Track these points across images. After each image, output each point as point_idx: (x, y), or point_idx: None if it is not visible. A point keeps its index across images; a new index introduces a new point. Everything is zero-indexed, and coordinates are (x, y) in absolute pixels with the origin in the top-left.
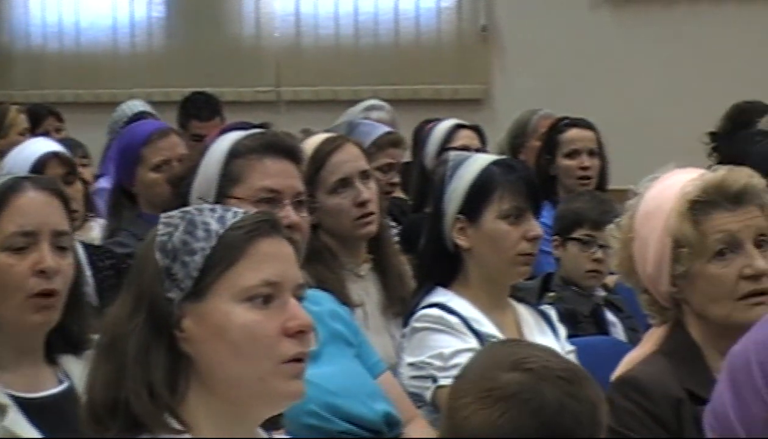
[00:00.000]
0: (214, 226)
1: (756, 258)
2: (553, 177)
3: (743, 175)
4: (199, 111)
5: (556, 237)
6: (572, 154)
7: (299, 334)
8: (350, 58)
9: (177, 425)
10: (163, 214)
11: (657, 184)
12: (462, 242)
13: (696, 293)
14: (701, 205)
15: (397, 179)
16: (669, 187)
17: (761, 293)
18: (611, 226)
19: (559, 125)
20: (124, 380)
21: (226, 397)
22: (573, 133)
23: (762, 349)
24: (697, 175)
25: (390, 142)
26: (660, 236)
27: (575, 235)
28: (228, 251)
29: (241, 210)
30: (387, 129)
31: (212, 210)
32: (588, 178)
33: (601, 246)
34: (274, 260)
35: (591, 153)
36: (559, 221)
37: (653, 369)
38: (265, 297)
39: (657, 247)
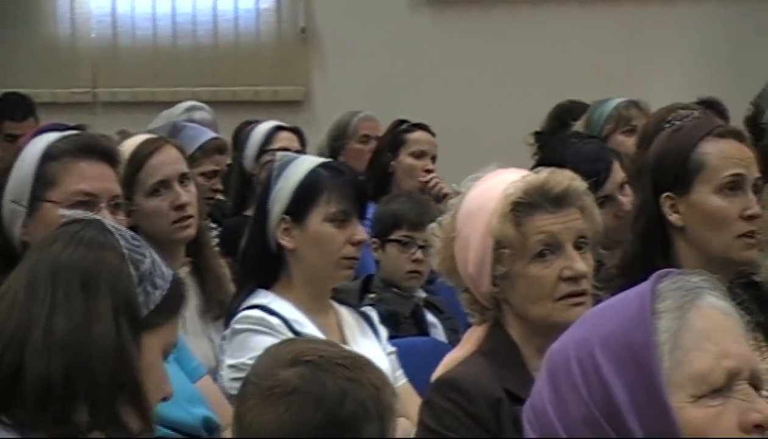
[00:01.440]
0: (164, 269)
1: (575, 260)
2: (389, 175)
3: (565, 178)
4: (13, 112)
5: (375, 239)
6: (418, 155)
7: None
8: (168, 60)
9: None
10: (107, 224)
11: (479, 184)
12: (286, 242)
13: (516, 294)
14: (523, 206)
15: (219, 185)
16: (492, 188)
17: (580, 294)
18: (433, 225)
19: (404, 125)
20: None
21: None
22: (420, 134)
23: (581, 346)
24: (519, 177)
25: (216, 148)
26: (482, 236)
27: (394, 236)
28: (175, 301)
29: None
30: (213, 135)
31: (148, 248)
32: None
33: (420, 247)
34: None
35: (434, 159)
36: (377, 222)
37: (472, 370)
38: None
39: (479, 247)
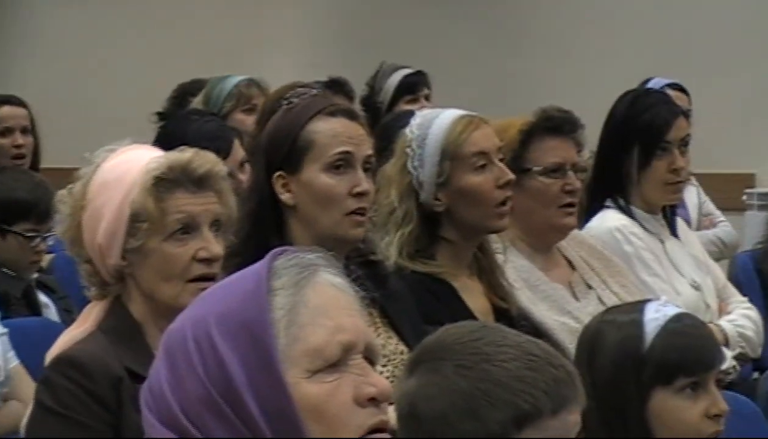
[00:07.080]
0: None
1: (211, 242)
2: None
3: (209, 160)
4: None
5: None
6: (4, 133)
7: None
8: None
9: None
10: None
11: (116, 156)
12: None
13: (147, 270)
14: (165, 182)
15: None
16: (131, 161)
17: (211, 278)
18: (62, 191)
19: None
20: None
21: None
22: (5, 110)
23: (198, 325)
24: (161, 153)
25: None
26: (118, 207)
27: (18, 229)
28: None
29: None
30: None
31: None
32: (22, 156)
33: (43, 237)
34: None
35: (24, 131)
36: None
37: (92, 347)
38: None
39: (113, 218)
